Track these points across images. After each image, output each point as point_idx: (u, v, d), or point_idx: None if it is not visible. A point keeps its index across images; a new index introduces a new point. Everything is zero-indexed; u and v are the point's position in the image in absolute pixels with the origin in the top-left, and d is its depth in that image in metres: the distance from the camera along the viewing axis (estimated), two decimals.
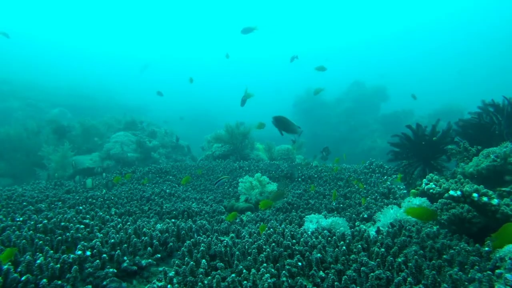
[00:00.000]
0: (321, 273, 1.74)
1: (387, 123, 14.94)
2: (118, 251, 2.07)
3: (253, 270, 1.73)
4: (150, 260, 2.14)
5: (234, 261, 1.94)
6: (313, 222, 2.83)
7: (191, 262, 1.86)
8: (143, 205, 3.54)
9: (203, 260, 1.90)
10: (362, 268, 1.70)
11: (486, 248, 1.86)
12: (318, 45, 39.34)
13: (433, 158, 4.27)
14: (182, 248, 2.16)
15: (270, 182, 4.21)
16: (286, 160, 6.94)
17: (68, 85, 18.11)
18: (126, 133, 8.63)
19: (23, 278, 1.65)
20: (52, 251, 2.03)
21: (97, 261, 1.91)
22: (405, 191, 3.86)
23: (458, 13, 35.09)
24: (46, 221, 2.57)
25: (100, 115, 10.35)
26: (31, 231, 2.33)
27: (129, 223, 2.77)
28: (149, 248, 2.20)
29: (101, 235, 2.36)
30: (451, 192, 2.51)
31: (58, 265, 1.81)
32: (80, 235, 2.33)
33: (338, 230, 2.57)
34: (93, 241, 2.14)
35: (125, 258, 2.07)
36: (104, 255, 1.97)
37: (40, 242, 2.11)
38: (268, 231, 2.38)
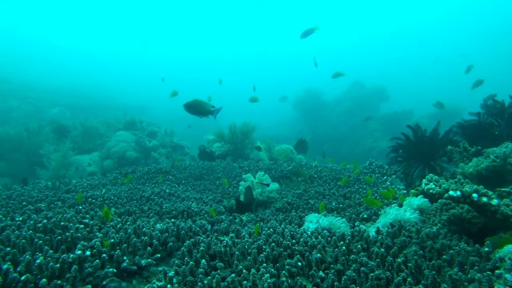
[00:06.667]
0: (320, 273, 1.74)
1: (387, 123, 14.91)
2: (118, 250, 2.07)
3: (252, 270, 1.73)
4: (149, 260, 2.14)
5: (234, 261, 1.94)
6: (313, 222, 2.83)
7: (191, 262, 1.86)
8: (143, 205, 3.54)
9: (203, 260, 1.90)
10: (362, 268, 1.70)
11: (486, 249, 1.86)
12: (318, 45, 39.34)
13: (432, 159, 4.28)
14: (182, 248, 2.16)
15: (271, 182, 4.20)
16: (286, 160, 6.94)
17: (68, 85, 18.11)
18: (126, 132, 8.61)
19: (22, 278, 1.65)
20: (51, 251, 2.03)
21: (97, 260, 1.91)
22: (404, 191, 3.86)
23: (459, 12, 35.03)
24: (45, 220, 2.57)
25: (99, 115, 10.32)
26: (30, 231, 2.32)
27: (128, 222, 2.77)
28: (148, 248, 2.20)
29: (101, 234, 2.36)
30: (451, 193, 2.51)
31: (58, 265, 1.81)
32: (79, 234, 2.33)
33: (337, 230, 2.57)
34: (93, 241, 2.14)
35: (125, 258, 2.07)
36: (104, 254, 1.97)
37: (40, 241, 2.11)
38: (268, 231, 2.38)
